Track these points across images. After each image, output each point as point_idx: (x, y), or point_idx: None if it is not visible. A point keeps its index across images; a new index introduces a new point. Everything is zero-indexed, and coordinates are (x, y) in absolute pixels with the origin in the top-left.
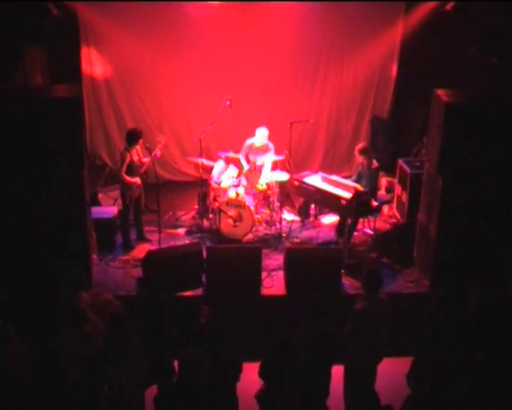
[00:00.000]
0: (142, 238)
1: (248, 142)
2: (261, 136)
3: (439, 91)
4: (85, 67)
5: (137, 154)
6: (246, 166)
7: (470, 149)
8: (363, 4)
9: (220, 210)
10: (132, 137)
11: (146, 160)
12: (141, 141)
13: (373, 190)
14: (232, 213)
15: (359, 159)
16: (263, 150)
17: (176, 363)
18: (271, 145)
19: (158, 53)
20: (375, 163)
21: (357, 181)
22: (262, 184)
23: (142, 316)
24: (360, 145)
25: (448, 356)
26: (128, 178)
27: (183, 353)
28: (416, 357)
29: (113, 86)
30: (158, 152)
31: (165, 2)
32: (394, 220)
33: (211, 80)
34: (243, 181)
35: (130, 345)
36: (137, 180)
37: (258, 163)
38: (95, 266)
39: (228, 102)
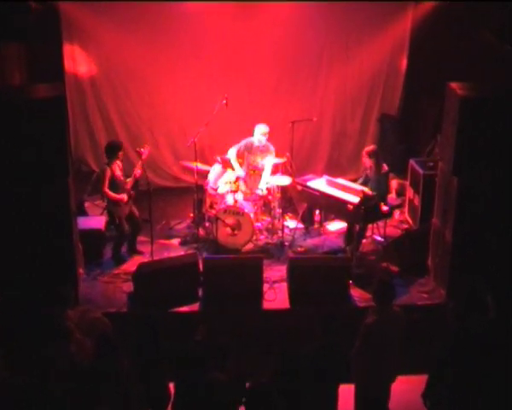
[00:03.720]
0: (133, 251)
1: (247, 141)
2: (260, 132)
3: (454, 84)
4: (68, 65)
5: (120, 169)
6: (239, 171)
7: (488, 147)
8: None
9: (217, 218)
10: (111, 150)
11: (129, 180)
12: (121, 154)
13: (383, 193)
14: (230, 221)
15: (367, 162)
16: (262, 151)
17: (172, 385)
18: (272, 147)
19: (148, 49)
20: (384, 167)
21: (364, 185)
22: (262, 189)
23: (134, 334)
24: (369, 147)
25: (466, 372)
26: (113, 195)
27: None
28: (431, 374)
29: (99, 85)
30: (138, 171)
31: None
32: (406, 226)
33: (206, 77)
34: (242, 186)
35: (120, 366)
36: (124, 197)
37: (257, 165)
38: (82, 281)
39: (224, 101)
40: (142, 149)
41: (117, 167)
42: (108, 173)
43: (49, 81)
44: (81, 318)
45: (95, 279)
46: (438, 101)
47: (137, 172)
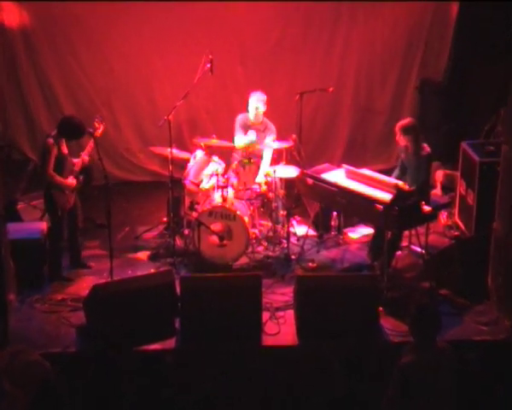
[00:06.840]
0: (78, 264)
1: (240, 117)
2: (256, 100)
3: None
4: None
5: (67, 146)
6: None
7: None
8: None
9: (200, 223)
10: (69, 129)
11: (76, 160)
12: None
13: (424, 188)
14: (217, 226)
15: (402, 141)
16: (260, 131)
17: None
18: (272, 126)
19: None
20: (426, 148)
21: (401, 177)
22: (260, 183)
23: (86, 382)
24: (404, 122)
25: None
26: (60, 179)
27: None
28: None
29: (36, 43)
30: (86, 157)
31: None
32: (456, 233)
33: (183, 34)
34: (233, 179)
35: None
36: (71, 181)
37: (253, 150)
38: (13, 310)
39: (208, 65)
40: (96, 124)
41: (64, 144)
42: (54, 150)
43: None
44: (11, 362)
45: (31, 308)
46: (501, 62)
47: (85, 157)
